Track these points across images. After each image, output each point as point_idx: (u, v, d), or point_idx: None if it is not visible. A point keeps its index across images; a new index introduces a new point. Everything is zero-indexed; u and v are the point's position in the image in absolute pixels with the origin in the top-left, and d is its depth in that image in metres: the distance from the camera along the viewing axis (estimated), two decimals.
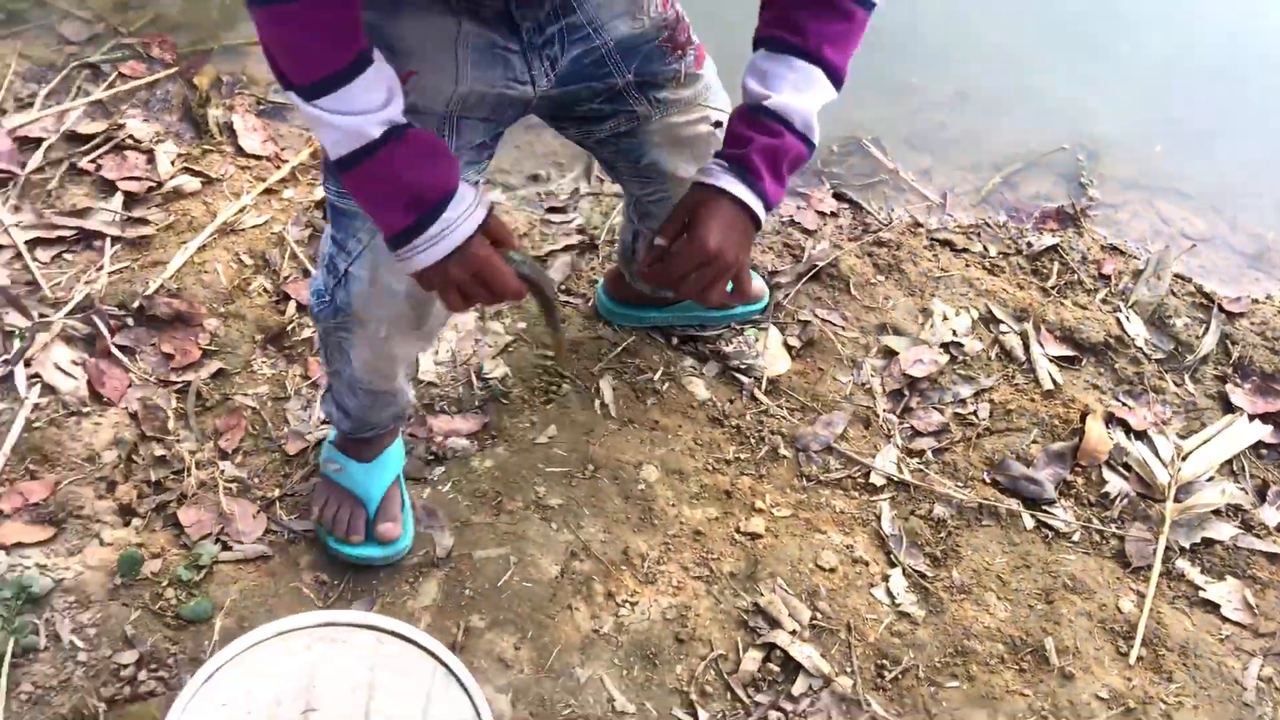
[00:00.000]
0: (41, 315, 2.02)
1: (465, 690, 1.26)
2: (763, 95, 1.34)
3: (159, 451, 1.88)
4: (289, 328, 2.08)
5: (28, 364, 1.94)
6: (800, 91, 1.34)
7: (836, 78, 1.35)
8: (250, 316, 2.09)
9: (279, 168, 2.38)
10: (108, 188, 2.27)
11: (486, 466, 1.91)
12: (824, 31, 1.33)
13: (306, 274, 2.16)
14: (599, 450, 1.95)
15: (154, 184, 2.29)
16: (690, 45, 1.60)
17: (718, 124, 1.66)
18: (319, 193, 2.32)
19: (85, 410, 1.90)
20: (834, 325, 2.20)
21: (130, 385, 1.96)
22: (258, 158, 2.40)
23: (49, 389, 1.92)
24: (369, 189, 1.23)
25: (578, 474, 1.91)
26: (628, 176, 1.75)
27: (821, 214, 2.45)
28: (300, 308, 2.11)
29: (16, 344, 1.97)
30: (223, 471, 1.86)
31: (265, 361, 2.04)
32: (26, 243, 2.13)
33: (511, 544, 1.80)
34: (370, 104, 1.17)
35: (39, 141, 2.32)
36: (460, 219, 1.23)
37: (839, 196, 2.51)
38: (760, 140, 1.34)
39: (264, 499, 1.83)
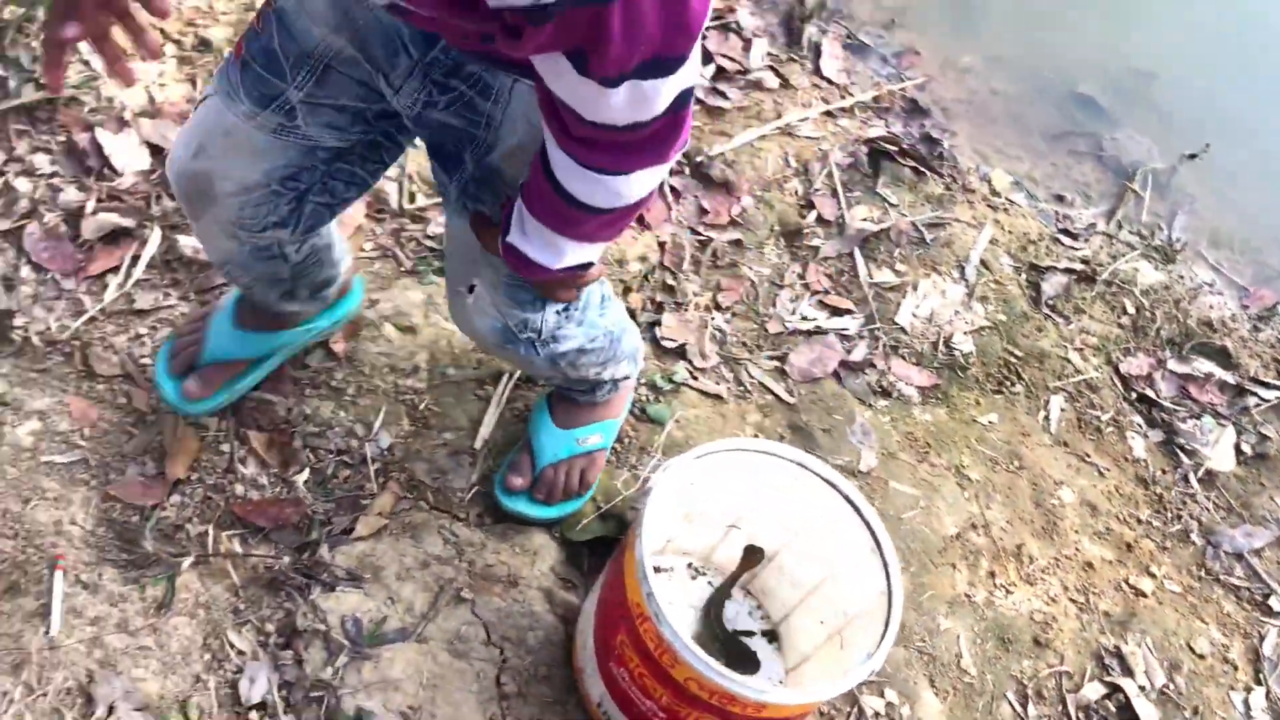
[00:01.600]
0: None
1: (886, 570, 1.44)
2: None
3: (669, 280, 2.17)
4: (804, 231, 2.32)
5: None
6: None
7: None
8: (778, 208, 2.34)
9: (844, 98, 2.62)
10: (705, 57, 2.58)
11: (925, 419, 2.08)
12: None
13: (834, 194, 2.39)
14: (1029, 454, 2.06)
15: (742, 69, 2.58)
16: None
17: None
18: (872, 131, 2.53)
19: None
20: None
21: (667, 219, 2.27)
22: (830, 82, 2.65)
23: None
24: None
25: (1002, 464, 2.04)
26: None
27: None
28: (821, 220, 2.34)
29: None
30: (713, 318, 2.13)
31: (775, 249, 2.29)
32: None
33: (924, 490, 1.96)
34: None
35: None
36: None
37: None
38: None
39: (735, 355, 2.09)
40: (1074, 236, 2.50)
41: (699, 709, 1.39)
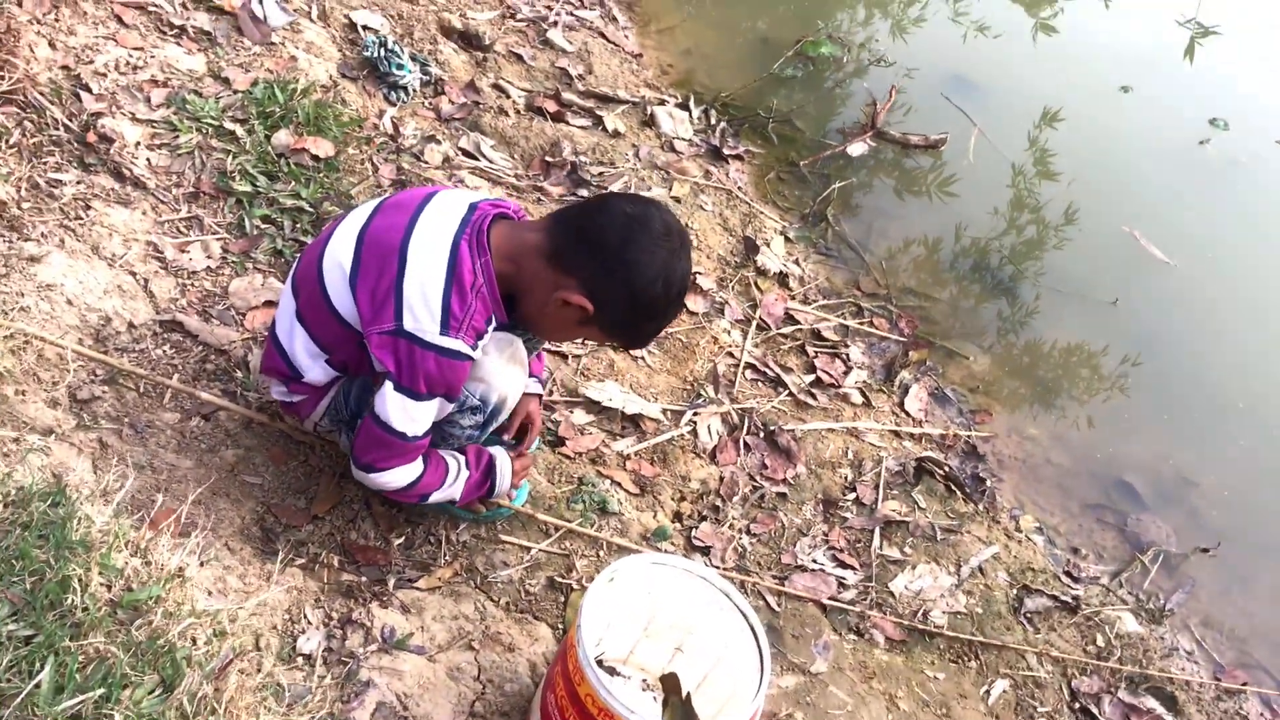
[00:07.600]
0: None
1: (758, 648, 1.91)
2: None
3: (718, 503, 2.77)
4: (840, 504, 2.88)
5: None
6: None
7: None
8: (825, 481, 2.93)
9: (915, 428, 3.22)
10: (808, 367, 3.28)
11: (881, 659, 2.53)
12: None
13: (876, 486, 2.95)
14: (959, 710, 2.47)
15: (836, 385, 3.25)
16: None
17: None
18: (926, 453, 3.11)
19: None
20: None
21: (733, 463, 2.89)
22: (908, 415, 3.27)
23: None
24: None
25: (933, 707, 2.45)
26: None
27: None
28: (858, 502, 2.90)
29: None
30: (741, 538, 2.70)
31: (812, 510, 2.85)
32: None
33: (856, 701, 2.39)
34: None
35: None
36: None
37: None
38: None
39: (747, 567, 2.63)
40: (1075, 580, 2.93)
41: None
